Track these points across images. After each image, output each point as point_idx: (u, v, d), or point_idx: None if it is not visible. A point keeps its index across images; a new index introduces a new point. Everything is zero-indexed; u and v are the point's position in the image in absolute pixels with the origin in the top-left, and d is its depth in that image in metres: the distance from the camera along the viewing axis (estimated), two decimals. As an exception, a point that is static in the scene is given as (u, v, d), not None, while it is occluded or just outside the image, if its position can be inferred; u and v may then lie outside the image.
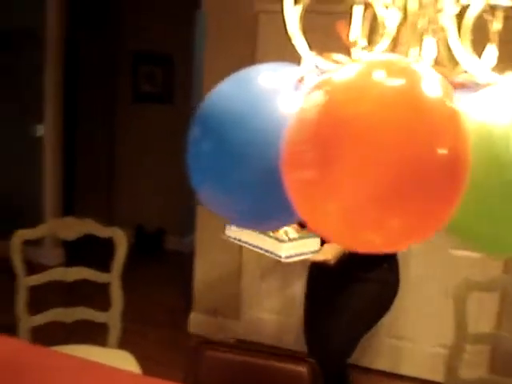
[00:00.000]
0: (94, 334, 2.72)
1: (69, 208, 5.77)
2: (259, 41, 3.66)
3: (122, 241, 2.58)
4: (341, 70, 0.84)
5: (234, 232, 2.20)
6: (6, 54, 5.12)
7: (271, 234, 2.16)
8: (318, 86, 0.83)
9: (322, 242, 2.29)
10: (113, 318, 2.63)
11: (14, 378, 1.76)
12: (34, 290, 2.55)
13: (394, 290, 2.67)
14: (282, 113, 0.91)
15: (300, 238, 2.17)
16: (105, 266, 2.65)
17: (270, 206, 0.94)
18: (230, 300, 4.05)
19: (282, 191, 0.81)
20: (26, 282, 2.50)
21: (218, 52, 3.80)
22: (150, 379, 1.89)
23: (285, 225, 1.53)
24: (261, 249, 2.15)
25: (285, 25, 1.04)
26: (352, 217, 0.75)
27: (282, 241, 2.13)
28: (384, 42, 1.00)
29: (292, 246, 2.15)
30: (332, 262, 2.37)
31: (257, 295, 3.97)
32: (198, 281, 4.09)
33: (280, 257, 2.11)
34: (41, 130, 5.19)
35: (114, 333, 2.63)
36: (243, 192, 0.94)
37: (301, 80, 0.96)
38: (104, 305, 2.65)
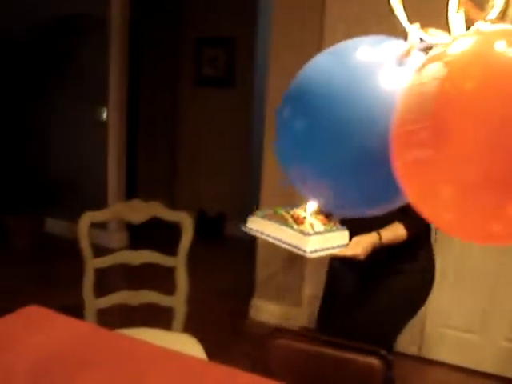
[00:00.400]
0: (158, 317, 2.71)
1: (131, 191, 5.82)
2: (327, 20, 3.55)
3: (188, 225, 2.55)
4: (458, 41, 0.75)
5: (257, 223, 2.06)
6: (72, 39, 5.17)
7: (295, 226, 1.99)
8: (433, 59, 0.74)
9: (351, 236, 2.21)
10: (178, 302, 2.60)
11: (84, 361, 1.74)
12: (99, 273, 2.54)
13: (432, 279, 2.51)
14: (385, 88, 0.82)
15: (327, 231, 2.01)
16: (167, 250, 2.62)
17: (372, 189, 0.86)
18: (293, 287, 3.98)
19: (386, 172, 0.73)
20: (93, 264, 2.49)
21: (284, 33, 3.71)
22: (219, 366, 1.84)
23: (388, 208, 1.38)
24: (284, 242, 1.99)
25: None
26: (468, 202, 0.66)
27: (306, 234, 1.96)
28: (493, 12, 0.90)
29: (318, 240, 1.98)
30: (362, 257, 2.25)
31: (320, 282, 3.89)
32: (260, 266, 4.05)
33: (305, 251, 1.94)
34: (105, 114, 5.23)
35: (179, 317, 2.61)
36: (343, 173, 0.86)
37: (406, 54, 0.87)
38: (168, 289, 2.62)
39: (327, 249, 2.00)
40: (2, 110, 5.57)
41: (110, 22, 5.01)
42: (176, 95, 6.21)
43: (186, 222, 2.55)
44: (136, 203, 2.57)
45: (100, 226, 5.35)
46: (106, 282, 2.67)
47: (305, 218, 1.98)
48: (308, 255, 1.95)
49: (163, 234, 3.58)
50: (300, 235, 1.94)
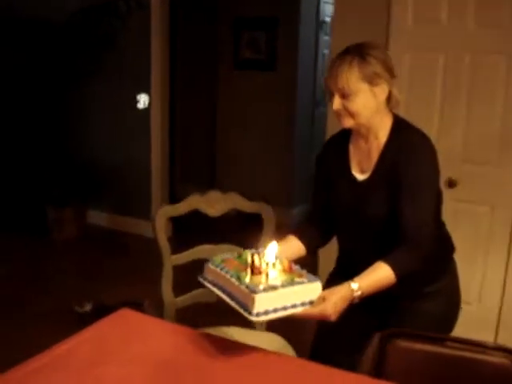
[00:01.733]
0: (234, 315, 2.57)
1: (173, 177, 5.72)
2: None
3: (271, 217, 2.40)
4: None
5: (212, 272, 1.74)
6: (113, 24, 5.01)
7: (246, 279, 1.64)
8: None
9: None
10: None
11: (194, 367, 1.61)
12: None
13: (459, 301, 2.11)
14: None
15: (286, 284, 1.63)
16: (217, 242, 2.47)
17: None
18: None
19: None
20: (172, 261, 2.35)
21: (348, 11, 3.53)
22: (319, 366, 1.69)
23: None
24: (232, 299, 1.65)
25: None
26: None
27: (253, 291, 1.57)
28: None
29: (269, 298, 1.58)
30: (333, 318, 1.70)
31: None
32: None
33: (250, 313, 1.56)
34: (147, 100, 5.08)
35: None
36: None
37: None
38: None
39: (284, 308, 1.61)
40: (44, 98, 5.44)
41: (151, 6, 4.84)
42: (215, 78, 6.03)
43: (268, 213, 2.41)
44: (213, 195, 2.43)
45: (142, 215, 5.26)
46: (182, 278, 2.53)
47: (266, 265, 1.67)
48: (253, 319, 1.59)
49: (205, 225, 3.44)
50: (247, 292, 1.59)
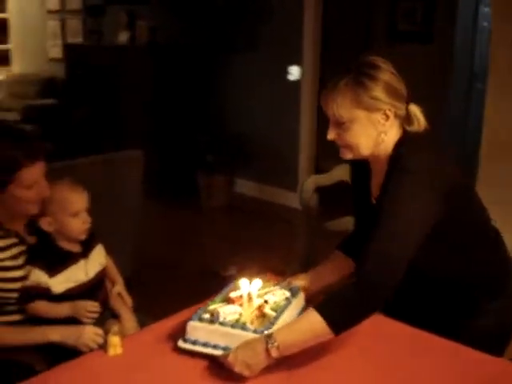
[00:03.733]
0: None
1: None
2: None
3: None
4: None
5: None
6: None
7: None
8: None
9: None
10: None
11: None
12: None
13: None
14: None
15: (226, 323, 1.57)
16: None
17: None
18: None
19: None
20: (326, 227, 2.36)
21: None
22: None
23: None
24: None
25: None
26: None
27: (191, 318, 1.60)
28: None
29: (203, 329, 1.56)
30: (236, 369, 1.47)
31: None
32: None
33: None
34: (298, 72, 5.10)
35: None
36: None
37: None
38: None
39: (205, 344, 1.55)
40: (202, 69, 5.65)
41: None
42: (367, 50, 5.89)
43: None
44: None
45: (289, 186, 5.32)
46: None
47: (240, 297, 1.63)
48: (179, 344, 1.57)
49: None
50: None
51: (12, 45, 7.97)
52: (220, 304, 1.65)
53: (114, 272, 2.09)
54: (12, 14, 7.84)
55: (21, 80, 7.44)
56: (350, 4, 5.83)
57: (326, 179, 2.39)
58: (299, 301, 1.74)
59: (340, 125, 1.61)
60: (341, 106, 1.58)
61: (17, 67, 8.00)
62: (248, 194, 5.72)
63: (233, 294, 1.65)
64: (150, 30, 5.60)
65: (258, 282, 1.66)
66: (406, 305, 1.82)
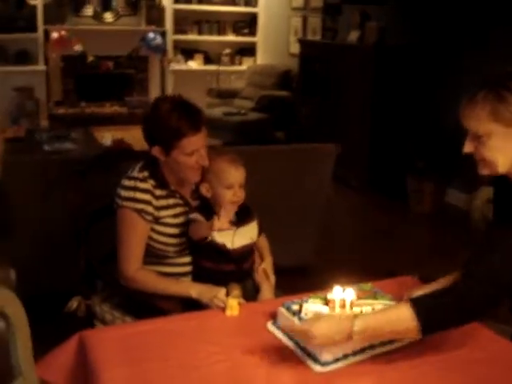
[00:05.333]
0: None
1: None
2: None
3: None
4: None
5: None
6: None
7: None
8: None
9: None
10: None
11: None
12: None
13: None
14: None
15: None
16: None
17: None
18: None
19: None
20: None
21: None
22: None
23: None
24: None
25: None
26: None
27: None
28: None
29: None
30: (316, 342, 1.50)
31: None
32: None
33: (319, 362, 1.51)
34: None
35: None
36: None
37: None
38: None
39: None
40: (424, 67, 5.55)
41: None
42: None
43: None
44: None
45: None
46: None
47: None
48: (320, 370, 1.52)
49: None
50: None
51: (258, 38, 8.58)
52: (318, 300, 1.68)
53: (266, 251, 2.24)
54: (261, 8, 8.45)
55: (260, 71, 8.00)
56: None
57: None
58: None
59: (477, 138, 1.57)
60: (478, 120, 1.53)
61: (260, 59, 8.60)
62: (458, 205, 5.48)
63: (330, 296, 1.67)
64: (379, 30, 5.64)
65: (350, 290, 1.66)
66: None
